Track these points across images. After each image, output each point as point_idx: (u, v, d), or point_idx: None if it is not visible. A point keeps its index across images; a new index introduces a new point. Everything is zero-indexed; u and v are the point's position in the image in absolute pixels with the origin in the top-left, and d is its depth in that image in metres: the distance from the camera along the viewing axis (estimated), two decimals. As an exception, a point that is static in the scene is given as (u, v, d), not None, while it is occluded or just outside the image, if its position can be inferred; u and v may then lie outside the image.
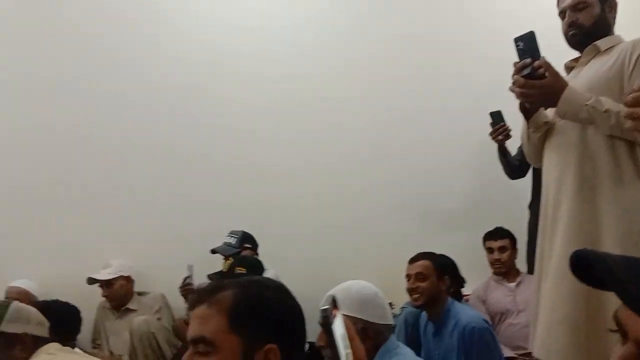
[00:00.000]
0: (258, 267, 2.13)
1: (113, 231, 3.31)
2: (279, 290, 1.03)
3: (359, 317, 1.53)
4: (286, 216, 3.45)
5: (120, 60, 3.53)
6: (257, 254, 3.03)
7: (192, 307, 0.99)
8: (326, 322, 0.77)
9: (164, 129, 3.50)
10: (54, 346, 1.69)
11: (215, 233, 3.13)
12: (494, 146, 3.02)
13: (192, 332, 0.96)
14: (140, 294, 3.14)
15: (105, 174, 3.44)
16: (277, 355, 0.94)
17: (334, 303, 0.84)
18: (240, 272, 2.06)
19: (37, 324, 1.73)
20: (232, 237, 3.03)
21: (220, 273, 2.18)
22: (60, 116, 3.43)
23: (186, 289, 2.88)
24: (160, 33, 3.58)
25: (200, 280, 2.96)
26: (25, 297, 2.85)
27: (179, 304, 3.05)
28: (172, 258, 3.18)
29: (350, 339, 0.85)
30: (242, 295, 0.97)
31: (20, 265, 3.14)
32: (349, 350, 0.83)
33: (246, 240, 3.04)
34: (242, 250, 2.84)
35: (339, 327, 0.82)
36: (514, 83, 1.54)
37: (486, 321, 2.24)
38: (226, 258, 2.92)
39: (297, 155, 3.53)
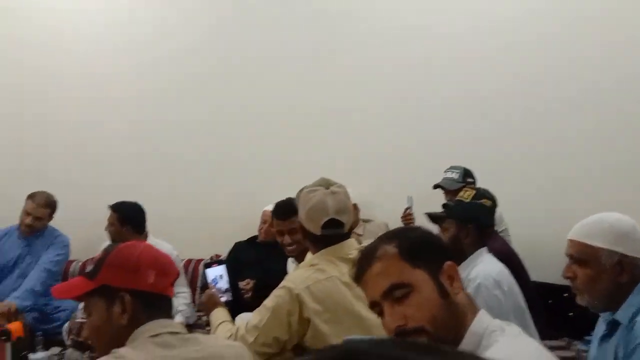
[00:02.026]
0: (495, 201, 2.09)
1: (344, 159, 3.57)
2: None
3: (615, 250, 1.42)
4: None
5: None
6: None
7: (361, 273, 1.07)
8: None
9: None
10: None
11: (437, 168, 3.19)
12: None
13: (379, 288, 1.03)
14: (365, 221, 3.39)
15: (343, 102, 3.69)
16: (454, 268, 1.06)
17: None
18: (485, 203, 2.05)
19: None
20: (453, 171, 3.06)
21: (459, 202, 2.19)
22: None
23: (407, 218, 3.03)
24: None
25: (419, 211, 3.09)
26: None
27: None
28: (394, 188, 3.39)
29: None
30: (402, 241, 1.07)
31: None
32: None
33: (468, 175, 3.04)
34: (466, 185, 2.83)
35: None
36: None
37: None
38: (446, 192, 3.00)
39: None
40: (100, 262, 1.20)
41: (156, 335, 1.11)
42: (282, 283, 1.63)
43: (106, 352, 1.10)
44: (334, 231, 1.69)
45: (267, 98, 3.80)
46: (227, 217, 3.71)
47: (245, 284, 2.90)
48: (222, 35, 3.91)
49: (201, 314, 3.07)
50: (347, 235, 1.74)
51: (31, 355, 2.83)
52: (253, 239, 3.46)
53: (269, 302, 1.60)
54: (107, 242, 3.43)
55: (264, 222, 3.42)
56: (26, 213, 3.41)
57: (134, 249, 1.22)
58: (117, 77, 3.93)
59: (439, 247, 1.12)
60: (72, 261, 3.74)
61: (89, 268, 1.22)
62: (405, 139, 3.63)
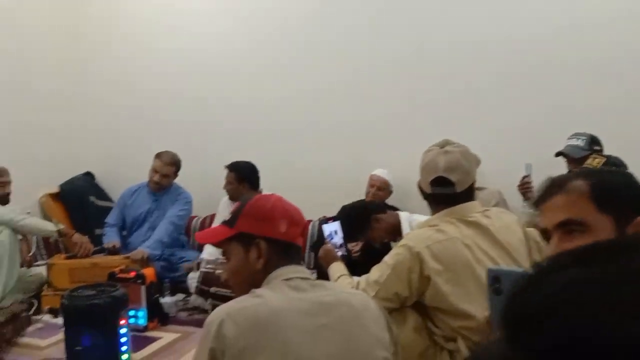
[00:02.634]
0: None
1: (455, 123, 3.47)
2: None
3: None
4: None
5: None
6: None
7: (544, 199, 1.04)
8: None
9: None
10: None
11: (558, 137, 3.00)
12: None
13: (556, 218, 1.01)
14: (478, 188, 3.29)
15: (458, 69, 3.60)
16: None
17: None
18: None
19: None
20: (579, 138, 2.85)
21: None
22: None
23: (525, 187, 2.90)
24: None
25: (538, 179, 2.95)
26: (384, 184, 3.40)
27: (513, 202, 3.09)
28: (511, 155, 3.25)
29: None
30: (597, 182, 1.02)
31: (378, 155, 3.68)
32: None
33: (594, 142, 2.82)
34: (592, 153, 2.64)
35: None
36: None
37: None
38: (570, 161, 2.82)
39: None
40: (238, 212, 1.29)
41: (289, 279, 1.19)
42: (402, 241, 1.65)
43: (243, 292, 1.19)
44: (442, 190, 1.68)
45: (374, 67, 3.78)
46: (334, 180, 3.79)
47: (354, 245, 2.96)
48: (332, 4, 3.92)
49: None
50: (466, 197, 1.71)
51: (162, 299, 3.14)
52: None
53: (389, 259, 1.63)
54: (225, 200, 3.68)
55: (371, 186, 3.46)
56: (154, 171, 3.73)
57: (267, 200, 1.30)
58: (238, 54, 4.10)
59: (635, 198, 1.01)
60: (193, 217, 4.04)
61: (228, 217, 1.32)
62: (522, 104, 3.46)
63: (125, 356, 2.36)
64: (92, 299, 2.31)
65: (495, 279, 0.69)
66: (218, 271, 3.07)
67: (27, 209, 3.73)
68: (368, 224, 2.29)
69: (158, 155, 3.74)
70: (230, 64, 4.12)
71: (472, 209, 1.70)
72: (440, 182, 1.68)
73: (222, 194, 3.68)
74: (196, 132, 4.17)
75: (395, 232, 2.25)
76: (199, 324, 3.00)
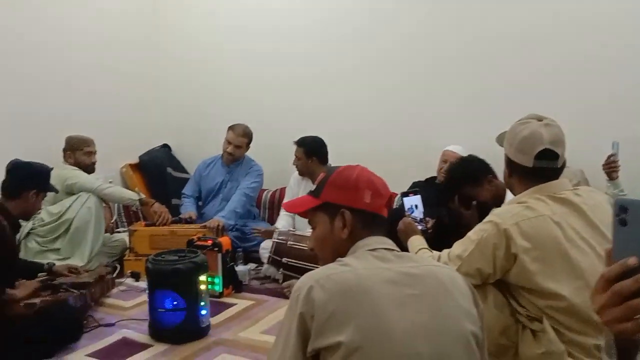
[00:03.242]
0: None
1: (535, 99, 3.32)
2: None
3: None
4: None
5: None
6: None
7: None
8: None
9: None
10: None
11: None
12: None
13: None
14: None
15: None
16: None
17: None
18: None
19: None
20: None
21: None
22: None
23: (611, 166, 2.74)
24: None
25: (624, 158, 2.79)
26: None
27: (595, 182, 2.94)
28: (594, 134, 3.09)
29: None
30: None
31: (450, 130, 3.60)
32: None
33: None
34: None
35: None
36: None
37: None
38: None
39: None
40: (323, 182, 1.30)
41: (374, 249, 1.19)
42: (488, 217, 1.60)
43: (329, 261, 1.20)
44: (548, 163, 1.60)
45: (449, 43, 3.67)
46: (405, 156, 3.74)
47: (427, 222, 2.92)
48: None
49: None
50: (558, 173, 1.64)
51: (237, 267, 3.25)
52: (432, 179, 3.45)
53: (473, 234, 1.60)
54: (295, 175, 3.73)
55: (444, 161, 3.39)
56: (227, 142, 3.83)
57: (352, 170, 1.30)
58: (311, 33, 4.10)
59: None
60: (263, 190, 4.14)
61: (313, 187, 1.33)
62: (610, 79, 3.25)
63: (204, 318, 2.48)
64: (175, 263, 2.44)
65: (622, 208, 0.66)
66: (290, 242, 3.13)
67: (109, 178, 3.96)
68: (481, 181, 2.23)
69: (231, 128, 3.84)
70: (302, 41, 4.12)
71: (563, 187, 1.63)
72: (546, 154, 1.59)
73: (292, 169, 3.73)
74: (267, 107, 4.24)
75: (499, 201, 2.18)
76: (271, 292, 3.13)
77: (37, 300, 2.40)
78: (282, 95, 4.21)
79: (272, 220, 3.94)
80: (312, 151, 3.54)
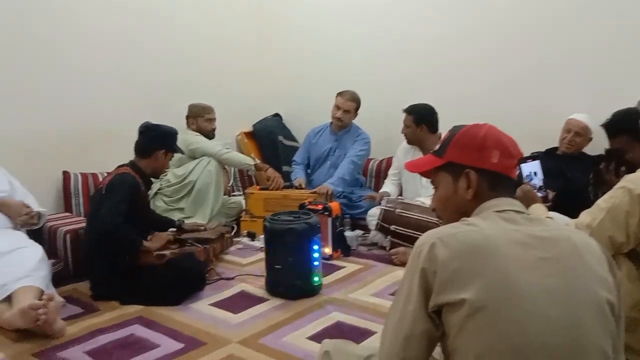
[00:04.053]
0: None
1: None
2: None
3: None
4: None
5: None
6: None
7: None
8: None
9: None
10: None
11: None
12: None
13: None
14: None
15: None
16: None
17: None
18: None
19: None
20: None
21: None
22: None
23: None
24: None
25: None
26: (584, 129, 3.11)
27: None
28: None
29: None
30: None
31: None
32: None
33: None
34: None
35: None
36: None
37: None
38: None
39: None
40: (447, 141, 1.27)
41: (502, 211, 1.14)
42: (620, 183, 1.49)
43: (451, 222, 1.18)
44: None
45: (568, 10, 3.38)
46: (520, 123, 3.53)
47: (546, 193, 2.78)
48: None
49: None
50: None
51: (347, 233, 3.33)
52: (552, 150, 3.26)
53: (603, 202, 1.50)
54: (403, 145, 3.69)
55: (567, 131, 3.17)
56: (336, 107, 3.89)
57: (479, 129, 1.25)
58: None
59: None
60: (370, 159, 4.15)
61: (437, 147, 1.31)
62: None
63: (316, 278, 2.58)
64: (290, 223, 2.55)
65: None
66: (398, 210, 3.14)
67: (226, 145, 4.19)
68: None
69: (339, 93, 3.90)
70: (414, 3, 4.02)
71: None
72: None
73: (400, 139, 3.69)
74: (376, 75, 4.21)
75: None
76: (379, 258, 3.17)
77: (167, 252, 2.64)
78: (391, 63, 4.15)
79: (378, 189, 3.95)
80: (421, 119, 3.47)
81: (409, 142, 3.59)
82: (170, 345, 2.06)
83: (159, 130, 2.83)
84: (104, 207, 2.50)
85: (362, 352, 1.35)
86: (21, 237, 2.62)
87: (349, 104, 3.85)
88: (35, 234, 2.78)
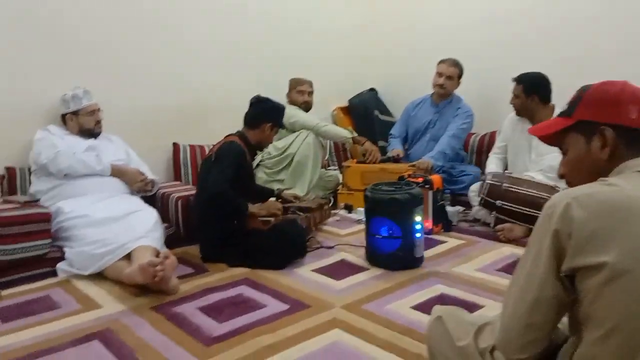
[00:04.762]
0: None
1: None
2: None
3: None
4: None
5: None
6: None
7: None
8: None
9: None
10: None
11: None
12: None
13: None
14: None
15: None
16: None
17: None
18: None
19: None
20: None
21: None
22: None
23: None
24: None
25: None
26: None
27: None
28: None
29: None
30: None
31: None
32: None
33: None
34: None
35: None
36: None
37: None
38: None
39: None
40: (577, 100, 1.17)
41: None
42: None
43: (584, 185, 1.10)
44: None
45: None
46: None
47: None
48: None
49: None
50: None
51: (447, 208, 3.24)
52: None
53: None
54: (511, 116, 3.49)
55: None
56: (438, 75, 3.78)
57: (613, 85, 1.14)
58: None
59: None
60: (472, 134, 3.99)
61: (564, 108, 1.22)
62: None
63: (418, 249, 2.54)
64: (392, 193, 2.51)
65: None
66: (505, 185, 2.99)
67: (323, 119, 4.22)
68: None
69: (441, 61, 3.80)
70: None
71: None
72: None
73: (504, 112, 3.50)
74: (477, 44, 4.02)
75: None
76: (482, 235, 3.05)
77: (271, 218, 2.72)
78: (491, 31, 3.94)
79: (480, 165, 3.80)
80: (532, 88, 3.24)
81: (518, 113, 3.37)
82: (276, 305, 2.12)
83: (269, 104, 2.90)
84: (212, 173, 2.61)
85: (477, 319, 1.30)
86: (138, 201, 2.83)
87: (452, 69, 3.73)
88: (149, 200, 2.98)
